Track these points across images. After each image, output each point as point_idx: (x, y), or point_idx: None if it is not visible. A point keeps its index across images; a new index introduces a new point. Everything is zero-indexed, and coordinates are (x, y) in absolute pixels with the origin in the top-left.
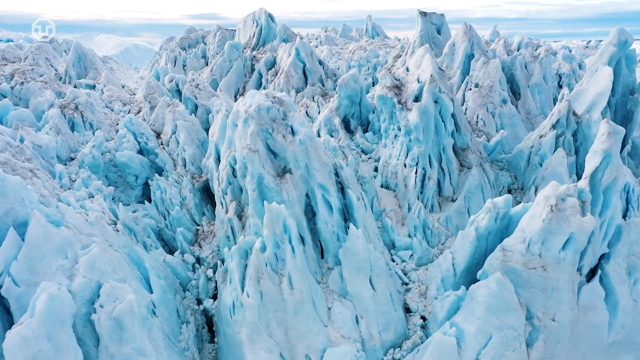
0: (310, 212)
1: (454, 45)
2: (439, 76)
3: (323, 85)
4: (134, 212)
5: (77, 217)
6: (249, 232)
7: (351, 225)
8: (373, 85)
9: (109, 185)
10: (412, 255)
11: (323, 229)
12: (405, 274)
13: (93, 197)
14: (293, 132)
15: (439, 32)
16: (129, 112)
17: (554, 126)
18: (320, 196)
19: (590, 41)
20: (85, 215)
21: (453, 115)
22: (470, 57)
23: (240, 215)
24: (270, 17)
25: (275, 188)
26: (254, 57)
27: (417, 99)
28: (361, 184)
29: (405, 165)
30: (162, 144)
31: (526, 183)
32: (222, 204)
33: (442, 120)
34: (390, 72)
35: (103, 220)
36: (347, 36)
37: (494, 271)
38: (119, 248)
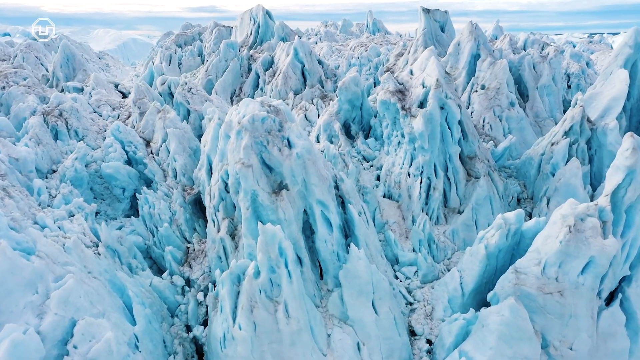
0: (308, 230)
1: (459, 44)
2: (445, 80)
3: (322, 87)
4: (119, 228)
5: (51, 244)
6: (242, 253)
7: (352, 245)
8: (375, 86)
9: (95, 198)
10: (416, 271)
11: (322, 248)
12: (410, 293)
13: (73, 215)
14: (290, 145)
15: (442, 29)
16: (118, 118)
17: (566, 133)
18: (319, 213)
19: (594, 35)
20: (63, 239)
21: (460, 122)
22: (476, 57)
23: (233, 234)
24: (268, 14)
25: (271, 206)
26: (251, 56)
27: (422, 104)
28: (362, 195)
29: (409, 175)
30: (151, 153)
31: (537, 193)
32: (213, 222)
33: (449, 128)
34: (393, 75)
35: (82, 244)
36: (348, 31)
37: (506, 295)
38: (100, 275)
